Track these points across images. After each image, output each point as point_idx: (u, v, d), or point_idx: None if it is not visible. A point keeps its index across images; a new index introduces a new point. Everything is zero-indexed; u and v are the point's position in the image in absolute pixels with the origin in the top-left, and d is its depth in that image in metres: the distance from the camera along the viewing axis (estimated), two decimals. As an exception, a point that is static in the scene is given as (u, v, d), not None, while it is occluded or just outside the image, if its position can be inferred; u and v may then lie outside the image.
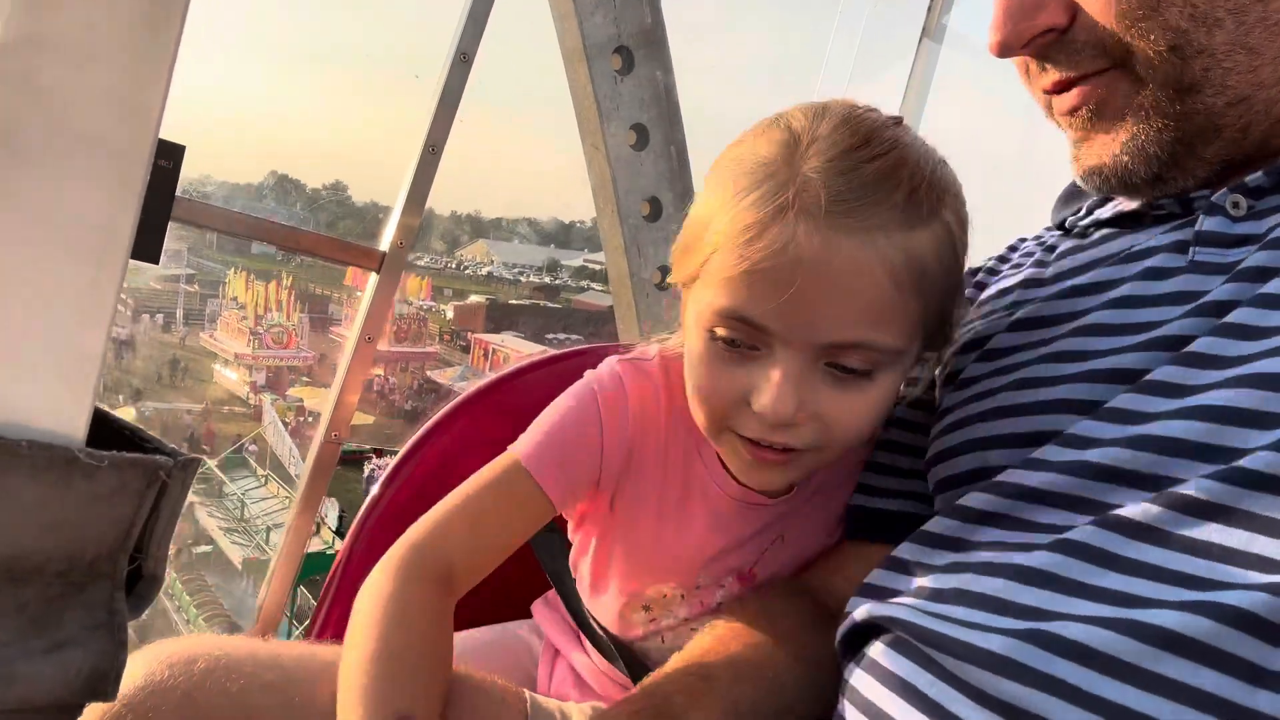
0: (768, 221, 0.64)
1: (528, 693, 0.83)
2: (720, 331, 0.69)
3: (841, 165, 0.65)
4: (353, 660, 0.70)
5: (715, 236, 0.68)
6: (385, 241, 1.28)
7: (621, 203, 1.84)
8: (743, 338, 0.68)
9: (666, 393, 0.82)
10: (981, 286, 0.85)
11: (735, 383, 0.69)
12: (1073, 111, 0.68)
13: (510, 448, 0.83)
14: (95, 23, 0.38)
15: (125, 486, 0.42)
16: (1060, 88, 0.68)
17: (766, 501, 0.82)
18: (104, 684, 0.43)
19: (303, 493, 1.33)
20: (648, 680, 0.67)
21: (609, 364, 0.86)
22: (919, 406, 0.84)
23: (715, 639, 0.72)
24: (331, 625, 1.14)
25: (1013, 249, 0.88)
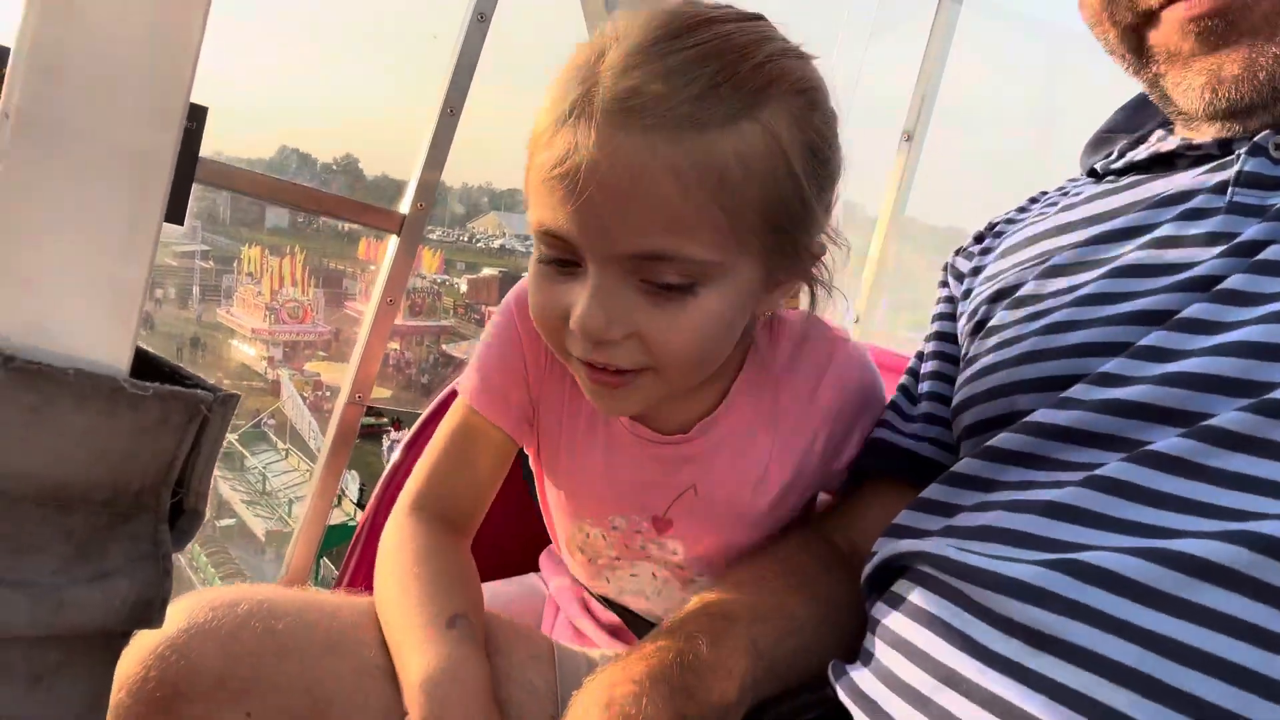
0: (556, 127, 0.62)
1: (553, 638, 0.84)
2: (541, 249, 0.67)
3: (633, 61, 0.60)
4: (392, 592, 0.75)
5: (529, 150, 0.66)
6: (405, 204, 1.28)
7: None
8: (558, 254, 0.65)
9: None
10: (1000, 235, 0.84)
11: (559, 302, 0.66)
12: (1207, 15, 0.61)
13: (458, 387, 0.85)
14: None
15: (168, 419, 0.43)
16: None
17: (661, 439, 0.81)
18: (149, 611, 0.43)
19: (326, 455, 1.34)
20: (670, 620, 0.67)
21: (516, 289, 0.84)
22: (943, 357, 0.83)
23: (734, 583, 0.72)
24: (358, 585, 1.15)
25: (1034, 200, 0.87)
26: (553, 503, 0.90)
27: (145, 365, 0.46)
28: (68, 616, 0.40)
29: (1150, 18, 0.65)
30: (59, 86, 0.38)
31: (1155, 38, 0.65)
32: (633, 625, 0.91)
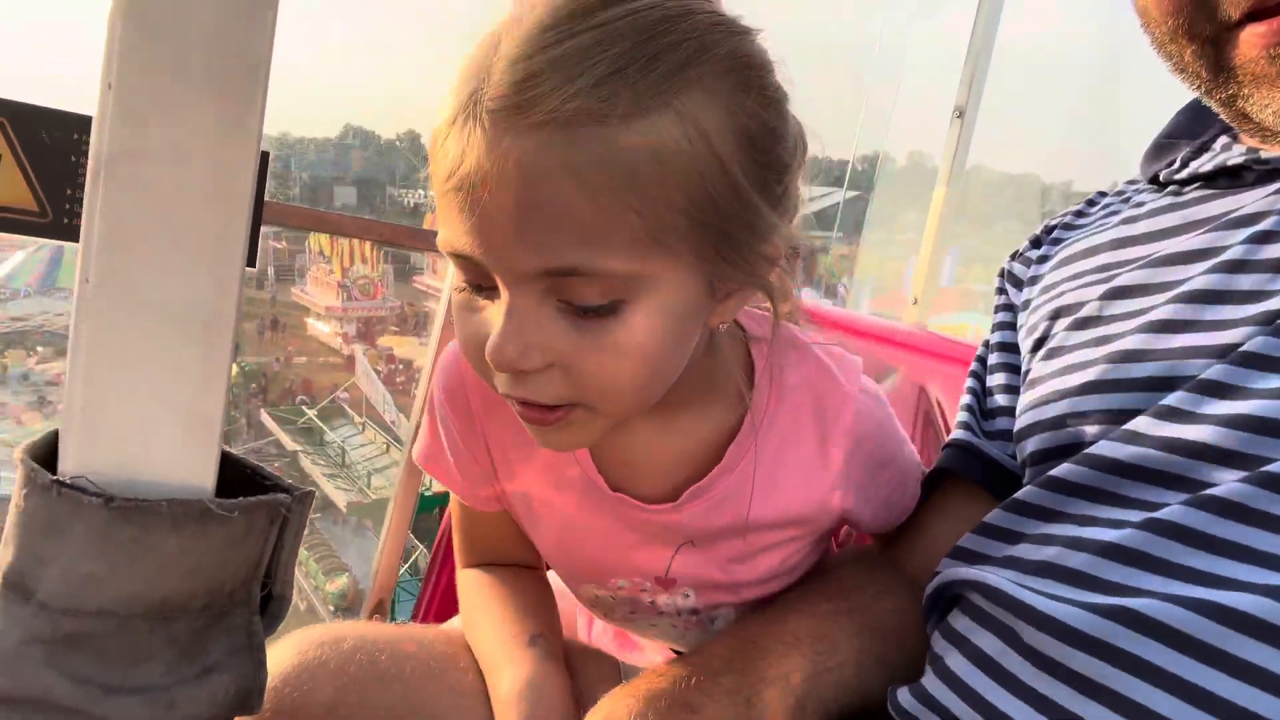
0: (446, 131, 0.53)
1: (618, 658, 0.89)
2: (455, 276, 0.60)
3: (524, 50, 0.51)
4: (475, 619, 0.82)
5: (428, 157, 0.57)
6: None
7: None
8: (470, 277, 0.58)
9: None
10: (1058, 242, 0.81)
11: (479, 331, 0.58)
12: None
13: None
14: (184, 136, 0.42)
15: (253, 526, 0.47)
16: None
17: (646, 508, 0.73)
18: (249, 700, 0.48)
19: (413, 441, 1.40)
20: (702, 644, 0.70)
21: (447, 351, 0.77)
22: (1009, 369, 0.81)
23: (777, 609, 0.73)
24: (438, 599, 1.22)
25: (1091, 203, 0.84)
26: (551, 565, 0.87)
27: (228, 468, 0.50)
28: (179, 712, 0.45)
29: (1231, 31, 0.61)
30: (129, 255, 0.42)
31: (1237, 56, 0.62)
32: None
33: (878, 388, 0.77)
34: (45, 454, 0.44)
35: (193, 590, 0.45)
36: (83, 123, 0.97)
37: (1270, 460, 0.53)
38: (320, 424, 22.62)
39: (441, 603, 1.20)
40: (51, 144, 0.92)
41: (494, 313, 0.57)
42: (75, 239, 0.48)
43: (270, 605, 0.52)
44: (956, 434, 0.81)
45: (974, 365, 0.87)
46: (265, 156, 1.10)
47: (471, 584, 0.86)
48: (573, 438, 0.63)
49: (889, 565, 0.81)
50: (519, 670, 0.73)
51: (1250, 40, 0.60)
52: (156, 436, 0.44)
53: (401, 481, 1.41)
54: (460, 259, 0.57)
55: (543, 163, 0.51)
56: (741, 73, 0.56)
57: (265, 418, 23.84)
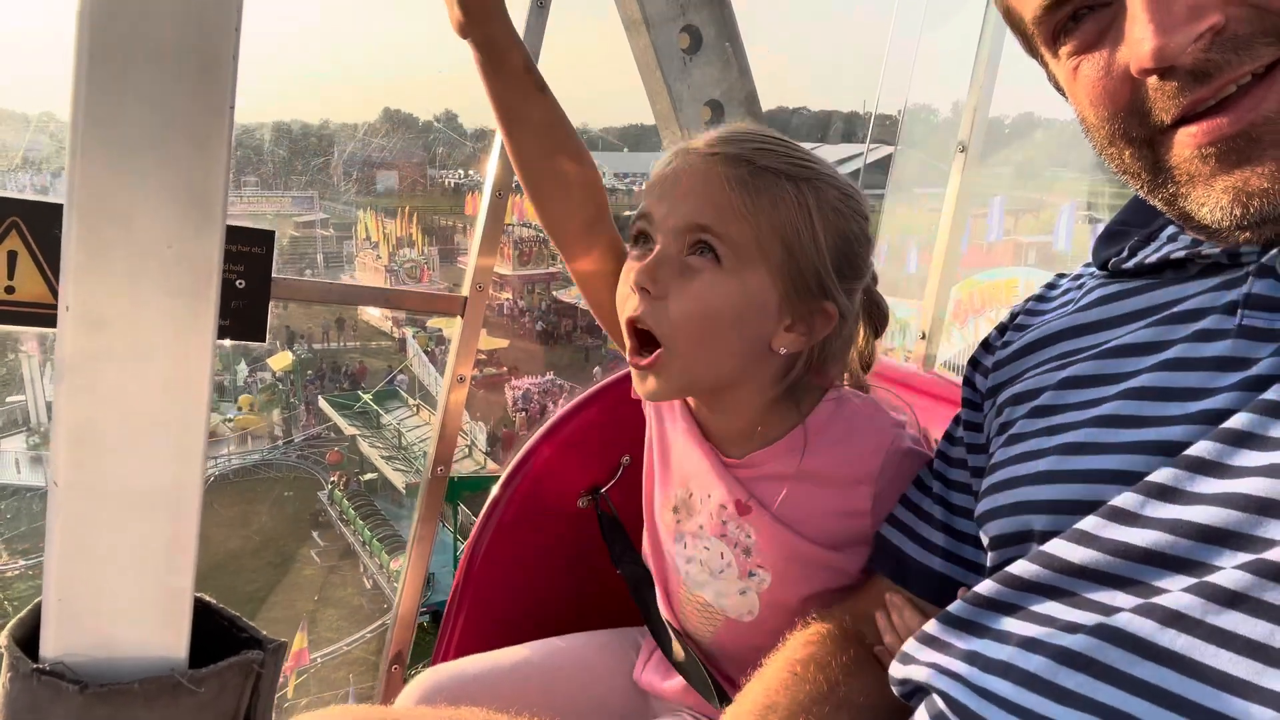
0: (660, 166, 0.96)
1: (647, 676, 1.13)
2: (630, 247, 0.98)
3: (724, 132, 0.95)
4: None
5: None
6: (465, 288, 1.34)
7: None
8: (640, 231, 0.95)
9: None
10: (1021, 329, 0.84)
11: (630, 272, 0.93)
12: (1229, 138, 0.59)
13: None
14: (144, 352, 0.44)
15: (226, 686, 0.50)
16: (1220, 92, 0.58)
17: (723, 456, 1.02)
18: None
19: (418, 522, 1.45)
20: None
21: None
22: (955, 463, 0.87)
23: (763, 688, 0.80)
24: (456, 641, 1.26)
25: (1051, 287, 0.86)
26: (661, 468, 1.10)
27: (210, 619, 0.53)
28: None
29: (1164, 134, 0.62)
30: (95, 451, 0.45)
31: (1172, 158, 0.62)
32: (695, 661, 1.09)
33: (914, 437, 0.99)
34: (30, 632, 0.48)
35: (172, 752, 0.48)
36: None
37: (1214, 569, 0.55)
38: (376, 406, 23.10)
39: (460, 642, 1.24)
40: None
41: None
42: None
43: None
44: (888, 531, 0.91)
45: (935, 463, 0.91)
46: (271, 235, 1.13)
47: None
48: (660, 383, 0.94)
49: (858, 642, 0.86)
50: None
51: (1183, 141, 0.60)
52: (129, 617, 0.47)
53: (418, 523, 1.46)
54: (642, 220, 0.94)
55: (714, 169, 0.90)
56: (846, 198, 0.95)
57: (323, 404, 24.43)
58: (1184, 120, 0.60)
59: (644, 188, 0.96)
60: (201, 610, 0.53)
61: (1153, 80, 0.60)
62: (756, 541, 1.01)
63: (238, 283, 1.04)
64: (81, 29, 0.41)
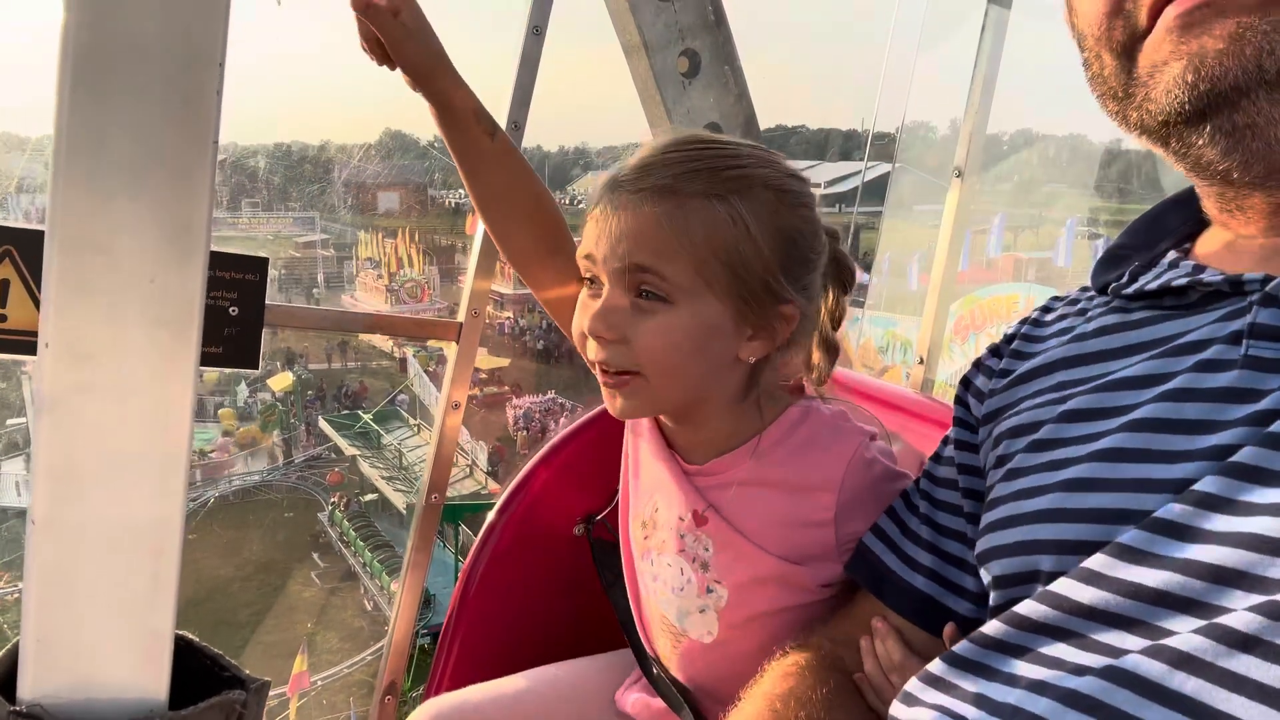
0: (595, 196, 0.95)
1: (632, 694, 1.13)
2: (584, 290, 0.98)
3: (644, 156, 0.93)
4: None
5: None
6: (461, 313, 1.33)
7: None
8: (589, 275, 0.95)
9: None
10: (1018, 354, 0.82)
11: (585, 317, 0.94)
12: (1194, 8, 0.58)
13: None
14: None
15: (208, 727, 0.49)
16: None
17: (686, 465, 1.04)
18: None
19: (410, 555, 1.43)
20: None
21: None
22: (944, 483, 0.86)
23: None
24: (450, 670, 1.24)
25: (1046, 310, 0.85)
26: (635, 484, 1.12)
27: (192, 659, 0.52)
28: None
29: (1141, 40, 0.62)
30: (76, 488, 0.44)
31: (1142, 59, 0.62)
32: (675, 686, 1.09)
33: (883, 450, 1.00)
34: (8, 672, 0.47)
35: (152, 796, 0.47)
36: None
37: (1225, 610, 0.53)
38: (376, 426, 23.06)
39: (455, 670, 1.23)
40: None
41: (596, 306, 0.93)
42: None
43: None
44: (872, 542, 0.90)
45: (922, 482, 0.90)
46: (264, 262, 1.13)
47: None
48: (630, 403, 0.95)
49: (838, 671, 0.85)
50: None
51: (1156, 35, 0.60)
52: (109, 657, 0.46)
53: (411, 550, 1.44)
54: (587, 260, 0.94)
55: (642, 207, 0.90)
56: (778, 189, 0.93)
57: (323, 424, 24.38)
58: (1163, 6, 0.60)
59: (586, 219, 0.97)
60: (184, 649, 0.52)
61: None
62: (714, 554, 1.01)
63: (230, 310, 1.03)
64: (64, 60, 0.41)
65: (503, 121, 1.38)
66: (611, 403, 0.96)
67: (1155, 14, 0.60)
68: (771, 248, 0.91)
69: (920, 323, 1.76)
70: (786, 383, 1.04)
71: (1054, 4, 0.77)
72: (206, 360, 1.04)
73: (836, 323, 1.06)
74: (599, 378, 0.96)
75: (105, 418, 0.45)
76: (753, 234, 0.90)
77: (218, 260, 1.03)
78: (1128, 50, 0.63)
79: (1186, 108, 0.59)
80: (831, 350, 1.04)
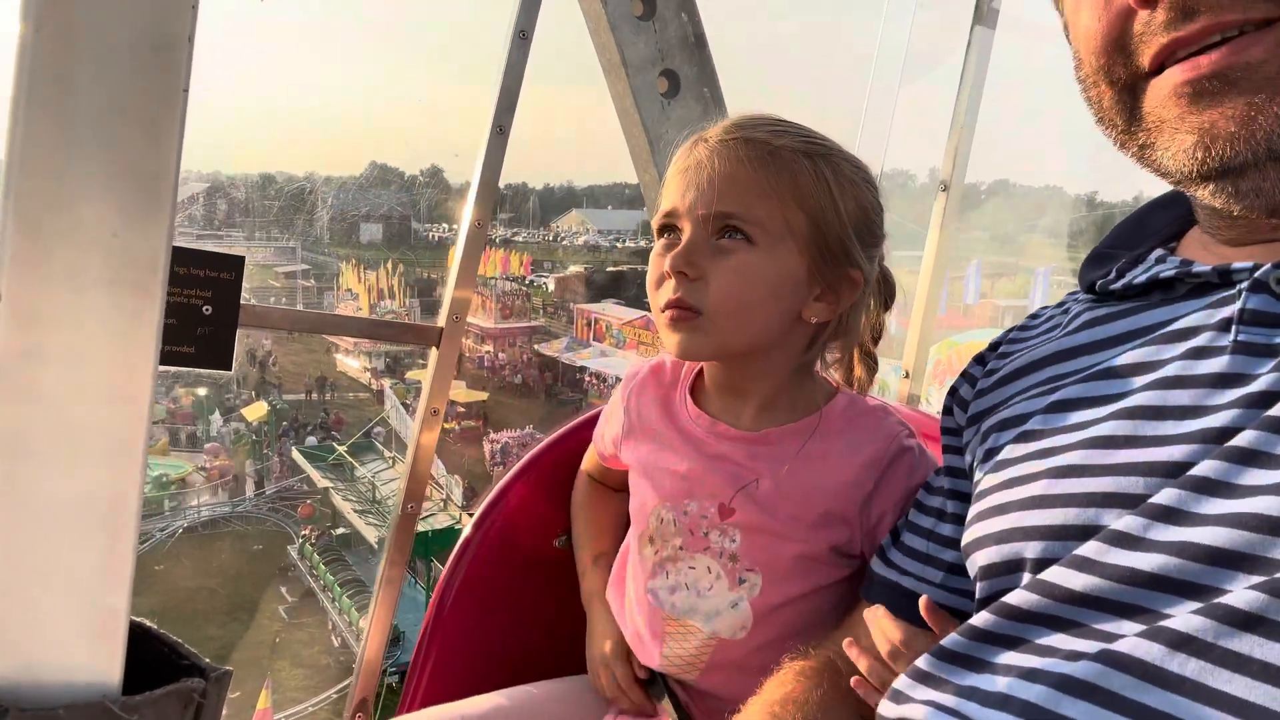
0: (680, 155, 1.01)
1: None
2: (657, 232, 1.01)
3: (738, 119, 0.99)
4: (579, 505, 1.26)
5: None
6: (442, 318, 1.32)
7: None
8: (666, 224, 0.99)
9: (661, 361, 1.13)
10: (1004, 357, 0.82)
11: (660, 263, 0.97)
12: (1205, 78, 0.58)
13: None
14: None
15: (163, 716, 0.46)
16: (1204, 36, 0.58)
17: (736, 433, 1.03)
18: None
19: (386, 563, 1.40)
20: None
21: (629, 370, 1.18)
22: (935, 491, 0.85)
23: None
24: (423, 687, 1.20)
25: (1034, 317, 0.85)
26: (636, 505, 1.10)
27: (149, 646, 0.49)
28: None
29: (1144, 80, 0.63)
30: (27, 459, 0.42)
31: (1148, 104, 0.63)
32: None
33: (919, 444, 1.04)
34: (-49, 654, 0.44)
35: (100, 789, 0.44)
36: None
37: (1223, 591, 0.52)
38: (350, 458, 22.78)
39: (429, 689, 1.19)
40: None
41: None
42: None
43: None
44: (875, 563, 0.90)
45: (920, 494, 0.90)
46: (240, 260, 1.11)
47: (578, 499, 1.26)
48: (692, 340, 0.96)
49: (834, 674, 0.84)
50: (588, 581, 1.19)
51: (1160, 85, 0.61)
52: (60, 637, 0.44)
53: (385, 564, 1.41)
54: (667, 216, 0.98)
55: (736, 152, 0.95)
56: (862, 171, 1.01)
57: (296, 455, 24.05)
58: (1164, 68, 0.61)
59: (664, 183, 1.01)
60: (140, 635, 0.49)
61: (1142, 14, 0.60)
62: (741, 543, 1.01)
63: (204, 309, 1.01)
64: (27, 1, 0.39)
65: (488, 125, 1.39)
66: (671, 339, 0.97)
67: (1158, 60, 0.61)
68: (850, 212, 0.97)
69: (900, 365, 1.77)
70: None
71: (1042, 23, 0.79)
72: (179, 360, 1.01)
73: (877, 337, 1.09)
74: (664, 320, 0.97)
75: (61, 384, 0.42)
76: (834, 194, 0.96)
77: (192, 257, 1.01)
78: (1129, 88, 0.64)
79: (1194, 174, 0.61)
80: (872, 363, 1.08)
